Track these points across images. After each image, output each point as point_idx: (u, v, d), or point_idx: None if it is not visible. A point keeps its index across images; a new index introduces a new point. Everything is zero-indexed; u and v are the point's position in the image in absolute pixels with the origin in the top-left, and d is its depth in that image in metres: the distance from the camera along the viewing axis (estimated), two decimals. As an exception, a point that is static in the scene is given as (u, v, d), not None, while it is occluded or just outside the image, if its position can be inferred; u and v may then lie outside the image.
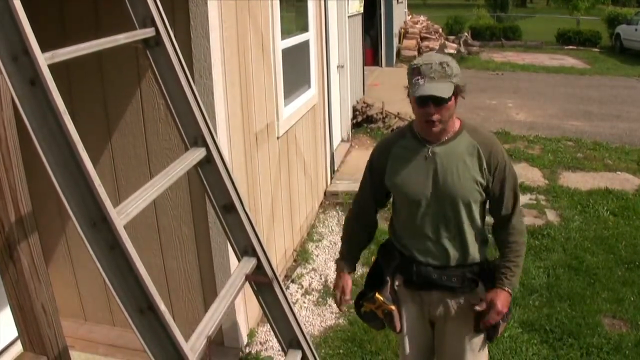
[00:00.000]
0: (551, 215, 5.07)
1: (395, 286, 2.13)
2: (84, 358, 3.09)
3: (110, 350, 3.15)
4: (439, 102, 1.83)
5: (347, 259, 2.24)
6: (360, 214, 2.23)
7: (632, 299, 3.68)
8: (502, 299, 1.98)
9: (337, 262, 2.27)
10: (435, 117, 1.86)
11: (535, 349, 3.17)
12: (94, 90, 2.92)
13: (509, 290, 2.00)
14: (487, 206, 2.08)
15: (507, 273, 2.00)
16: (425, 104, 1.84)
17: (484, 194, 2.00)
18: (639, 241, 4.52)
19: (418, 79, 1.82)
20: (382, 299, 2.09)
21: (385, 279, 2.13)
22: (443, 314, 2.10)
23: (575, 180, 6.00)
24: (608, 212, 5.12)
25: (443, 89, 1.82)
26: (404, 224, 2.11)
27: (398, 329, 2.15)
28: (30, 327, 1.55)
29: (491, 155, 1.96)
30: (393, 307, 2.10)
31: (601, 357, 3.11)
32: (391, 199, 2.21)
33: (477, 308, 2.00)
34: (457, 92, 1.89)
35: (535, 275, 3.97)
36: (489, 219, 2.11)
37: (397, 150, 2.04)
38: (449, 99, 1.85)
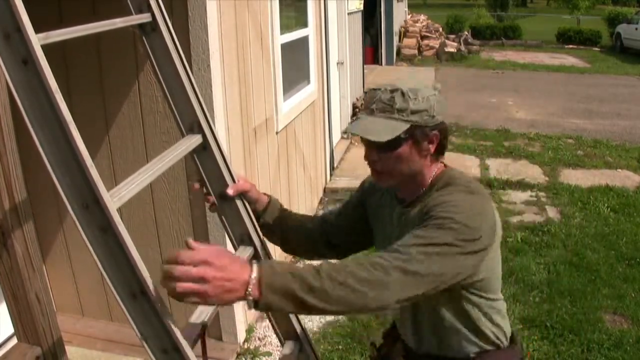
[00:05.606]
0: (551, 212, 5.05)
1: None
2: (82, 353, 3.07)
3: (107, 346, 3.13)
4: (378, 146, 1.32)
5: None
6: (322, 218, 1.71)
7: (633, 295, 3.66)
8: None
9: None
10: (378, 166, 1.37)
11: (535, 345, 3.15)
12: (92, 86, 2.90)
13: None
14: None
15: None
16: (366, 144, 1.37)
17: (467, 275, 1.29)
18: (640, 238, 4.51)
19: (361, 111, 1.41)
20: None
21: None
22: None
23: (576, 177, 5.98)
24: (609, 209, 5.11)
25: (376, 130, 1.30)
26: None
27: None
28: (23, 317, 1.53)
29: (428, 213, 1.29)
30: None
31: (602, 353, 3.09)
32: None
33: None
34: (420, 134, 1.32)
35: (536, 271, 3.95)
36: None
37: (373, 201, 1.58)
38: (390, 143, 1.30)
